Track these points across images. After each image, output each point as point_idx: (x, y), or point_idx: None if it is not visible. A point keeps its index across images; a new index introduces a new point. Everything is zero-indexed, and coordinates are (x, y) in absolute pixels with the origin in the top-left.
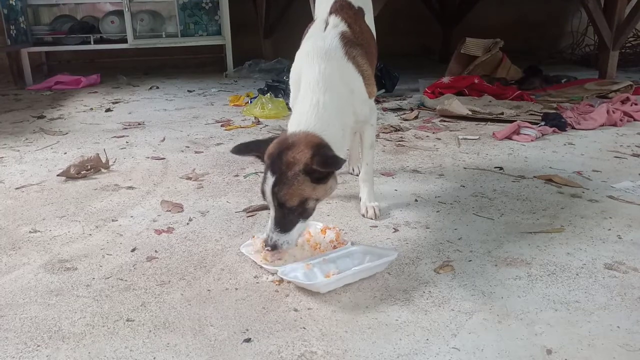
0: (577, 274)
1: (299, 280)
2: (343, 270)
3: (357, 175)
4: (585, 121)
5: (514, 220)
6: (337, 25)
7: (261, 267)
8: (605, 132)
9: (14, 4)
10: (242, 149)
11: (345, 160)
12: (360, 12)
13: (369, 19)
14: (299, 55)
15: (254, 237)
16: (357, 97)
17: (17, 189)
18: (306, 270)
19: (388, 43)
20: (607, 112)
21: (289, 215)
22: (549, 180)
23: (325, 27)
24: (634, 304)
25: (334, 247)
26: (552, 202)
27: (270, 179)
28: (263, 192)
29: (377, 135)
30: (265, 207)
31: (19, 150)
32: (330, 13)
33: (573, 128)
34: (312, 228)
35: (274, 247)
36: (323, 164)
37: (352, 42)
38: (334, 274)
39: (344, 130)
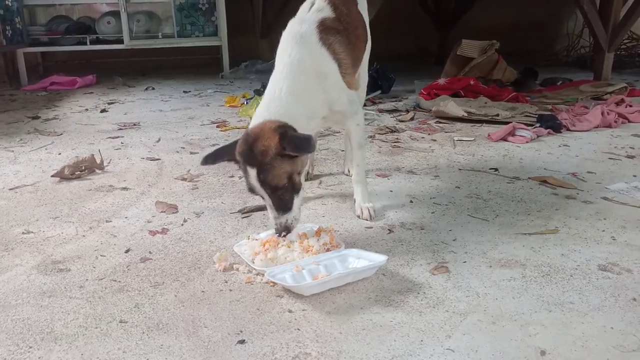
0: (571, 275)
1: (285, 282)
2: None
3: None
4: (580, 123)
5: (509, 222)
6: (322, 9)
7: (253, 268)
8: (599, 134)
9: (9, 4)
10: (211, 158)
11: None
12: None
13: (362, 9)
14: (282, 37)
15: (248, 237)
16: (331, 84)
17: (10, 189)
18: (295, 272)
19: (384, 45)
20: (602, 113)
21: (284, 194)
22: (543, 181)
23: (310, 8)
24: (628, 305)
25: (327, 250)
26: (546, 203)
27: (253, 172)
28: (251, 188)
29: (373, 137)
30: (260, 208)
31: (13, 151)
32: None
33: (568, 130)
34: (308, 230)
35: (287, 229)
36: (295, 148)
37: (332, 28)
38: (323, 277)
39: (310, 116)
